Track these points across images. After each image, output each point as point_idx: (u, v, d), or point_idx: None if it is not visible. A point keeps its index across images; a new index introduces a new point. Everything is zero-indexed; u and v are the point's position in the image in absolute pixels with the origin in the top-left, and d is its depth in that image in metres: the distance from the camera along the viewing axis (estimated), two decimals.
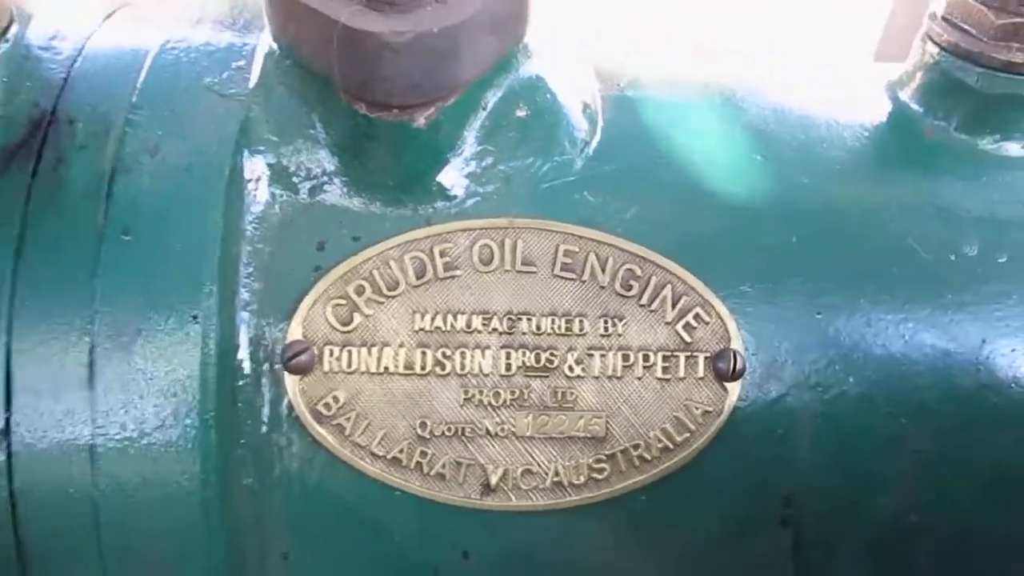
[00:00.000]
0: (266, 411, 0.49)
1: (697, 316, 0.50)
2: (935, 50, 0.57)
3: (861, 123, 0.59)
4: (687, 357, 0.50)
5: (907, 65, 0.60)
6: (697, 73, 0.61)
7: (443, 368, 0.49)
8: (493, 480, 0.50)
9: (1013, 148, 0.57)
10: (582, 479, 0.50)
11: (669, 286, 0.50)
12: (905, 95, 0.60)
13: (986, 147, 0.57)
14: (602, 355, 0.50)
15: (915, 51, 0.59)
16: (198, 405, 0.47)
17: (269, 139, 0.51)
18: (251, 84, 0.51)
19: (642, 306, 0.50)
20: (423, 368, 0.49)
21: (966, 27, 0.56)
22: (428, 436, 0.49)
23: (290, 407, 0.49)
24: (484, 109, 0.52)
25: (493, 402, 0.49)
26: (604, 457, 0.50)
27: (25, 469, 0.47)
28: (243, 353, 0.48)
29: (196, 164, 0.49)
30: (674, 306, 0.50)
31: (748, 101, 0.59)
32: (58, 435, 0.47)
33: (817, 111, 0.59)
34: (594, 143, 0.54)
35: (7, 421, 0.47)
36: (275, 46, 0.52)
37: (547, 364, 0.50)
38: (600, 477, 0.50)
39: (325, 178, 0.51)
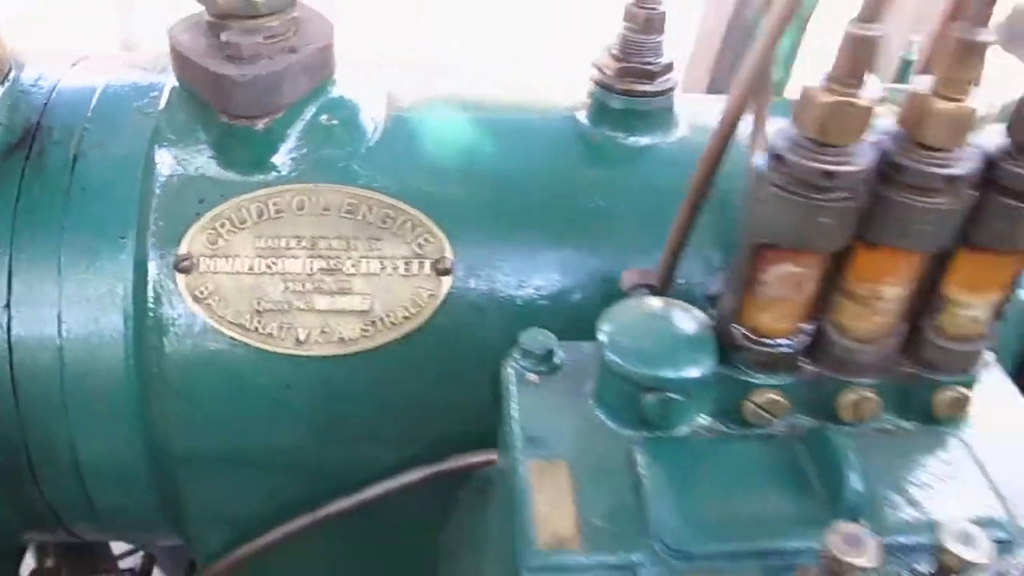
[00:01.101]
0: (164, 296, 0.82)
1: (426, 239, 0.85)
2: (592, 87, 0.93)
3: (556, 129, 0.94)
4: (419, 262, 0.84)
5: (583, 95, 0.96)
6: (453, 90, 0.97)
7: (271, 269, 0.83)
8: (302, 337, 0.83)
9: (640, 141, 0.92)
10: (356, 336, 0.84)
11: (410, 222, 0.85)
12: (580, 115, 0.95)
13: (624, 142, 0.93)
14: (367, 261, 0.84)
15: (586, 87, 0.95)
16: (128, 290, 0.80)
17: (170, 138, 0.85)
18: (161, 106, 0.86)
19: (394, 234, 0.85)
20: (259, 270, 0.83)
21: (606, 71, 0.92)
22: (262, 310, 0.83)
23: (179, 293, 0.82)
24: (302, 119, 0.86)
25: (301, 289, 0.83)
26: (369, 323, 0.84)
27: (20, 331, 0.80)
28: (152, 261, 0.82)
29: (126, 153, 0.84)
30: (412, 232, 0.85)
31: (482, 108, 0.94)
32: (37, 312, 0.80)
33: (527, 120, 0.95)
34: (374, 140, 0.89)
35: (8, 301, 0.80)
36: (177, 83, 0.87)
37: (335, 267, 0.84)
38: (367, 335, 0.84)
39: (204, 161, 0.85)
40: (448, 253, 0.85)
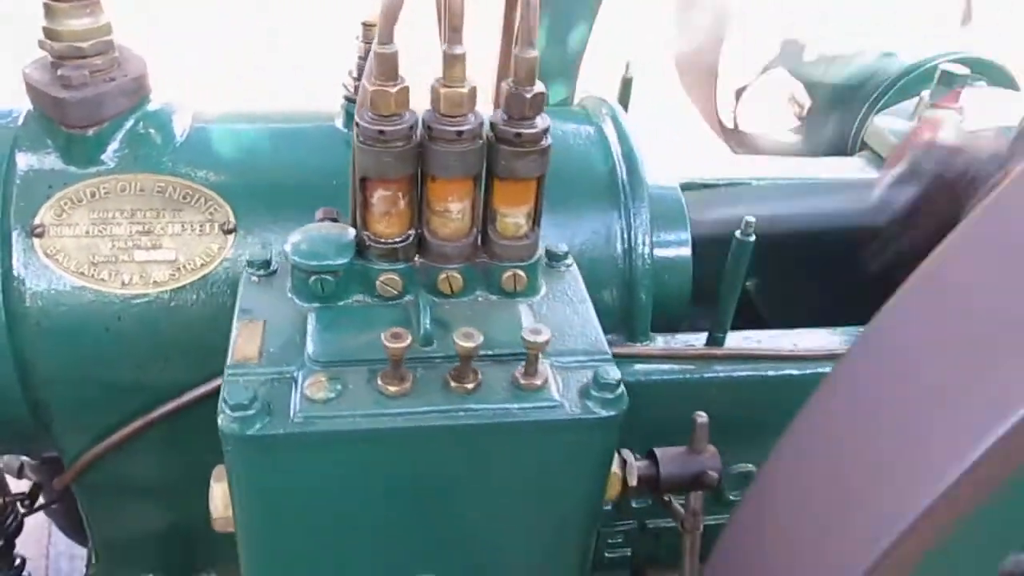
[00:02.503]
0: (25, 255, 1.15)
1: (215, 208, 1.20)
2: (343, 101, 1.30)
3: (319, 129, 1.30)
4: (210, 225, 1.19)
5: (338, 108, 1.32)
6: (246, 108, 1.33)
7: (102, 233, 1.17)
8: (126, 280, 1.17)
9: None
10: (166, 279, 1.18)
11: (203, 197, 1.20)
12: (338, 121, 1.31)
13: None
14: (172, 225, 1.18)
15: (339, 102, 1.32)
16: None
17: (26, 144, 1.19)
18: (19, 123, 1.20)
19: (191, 206, 1.20)
20: (93, 234, 1.17)
21: (351, 88, 1.29)
22: (96, 262, 1.16)
23: (35, 252, 1.16)
24: (124, 128, 1.21)
25: (124, 246, 1.17)
26: (175, 269, 1.18)
27: None
28: (15, 230, 1.15)
29: None
30: (205, 204, 1.20)
31: (265, 119, 1.30)
32: None
33: (297, 125, 1.31)
34: (179, 142, 1.25)
35: None
36: (31, 106, 1.21)
37: (148, 230, 1.18)
38: (174, 278, 1.18)
39: (51, 159, 1.19)
40: (231, 219, 1.20)
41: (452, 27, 0.85)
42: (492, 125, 0.91)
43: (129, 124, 1.22)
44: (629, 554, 1.42)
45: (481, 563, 0.97)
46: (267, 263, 1.02)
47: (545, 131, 0.92)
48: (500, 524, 0.93)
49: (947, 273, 0.66)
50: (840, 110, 2.17)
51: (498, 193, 0.94)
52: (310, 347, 0.90)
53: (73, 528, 1.92)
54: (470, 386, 0.86)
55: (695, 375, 1.28)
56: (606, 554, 1.42)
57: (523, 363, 0.88)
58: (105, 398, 1.23)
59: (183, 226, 1.19)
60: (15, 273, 1.15)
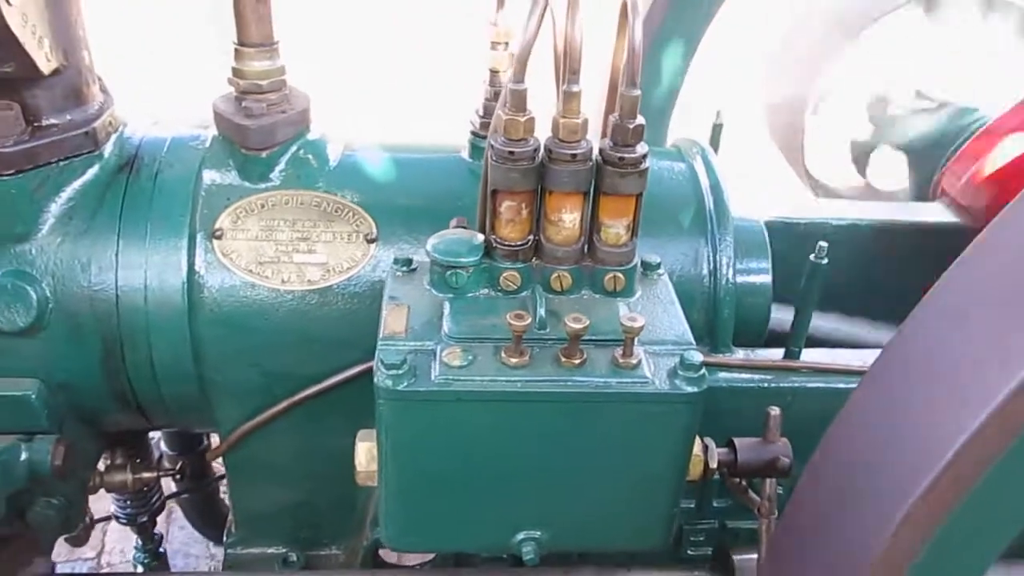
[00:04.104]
0: (206, 254, 1.39)
1: (359, 221, 1.42)
2: (469, 135, 1.52)
3: (446, 159, 1.52)
4: (355, 234, 1.41)
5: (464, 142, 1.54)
6: (386, 140, 1.56)
7: (268, 238, 1.41)
8: (285, 279, 1.40)
9: None
10: (318, 278, 1.40)
11: (351, 211, 1.42)
12: (464, 153, 1.53)
13: None
14: (325, 233, 1.41)
15: (466, 136, 1.53)
16: (185, 249, 1.38)
17: (211, 163, 1.45)
18: (206, 145, 1.46)
19: (341, 218, 1.42)
20: (261, 238, 1.41)
21: (476, 125, 1.50)
22: (262, 262, 1.40)
23: (214, 251, 1.40)
24: (289, 152, 1.45)
25: (285, 250, 1.40)
26: (326, 271, 1.40)
27: (124, 275, 1.37)
28: (199, 232, 1.40)
29: (185, 171, 1.43)
30: (352, 218, 1.42)
31: (403, 150, 1.53)
32: (134, 263, 1.37)
33: (428, 155, 1.53)
34: (332, 166, 1.48)
35: (117, 259, 1.38)
36: (216, 132, 1.47)
37: (306, 236, 1.41)
38: (324, 278, 1.40)
39: (231, 176, 1.44)
40: (374, 231, 1.42)
41: (571, 70, 1.05)
42: (601, 150, 1.10)
43: (293, 149, 1.46)
44: (710, 553, 1.55)
45: (579, 521, 1.13)
46: (409, 261, 1.23)
47: (644, 156, 1.10)
48: (596, 485, 1.10)
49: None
50: (922, 159, 2.30)
51: (603, 207, 1.13)
52: (446, 326, 1.09)
53: (198, 517, 2.16)
54: (577, 362, 1.04)
55: (772, 384, 1.43)
56: (688, 551, 1.55)
57: (621, 347, 1.06)
58: (259, 380, 1.45)
59: (334, 235, 1.42)
60: (197, 268, 1.39)
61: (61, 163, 1.37)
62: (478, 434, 1.05)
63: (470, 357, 1.04)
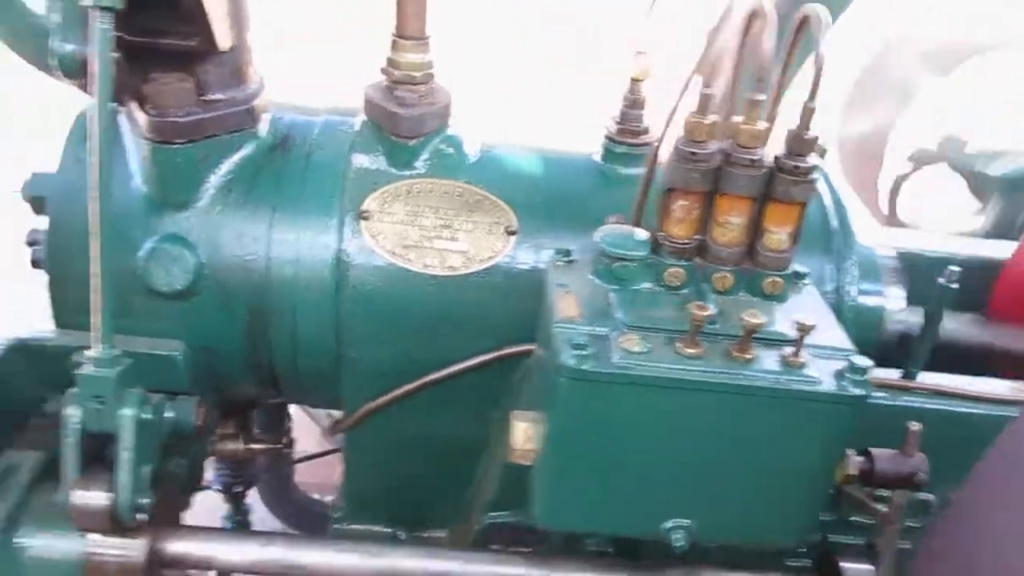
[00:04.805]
0: (353, 234, 1.44)
1: (501, 213, 1.47)
2: (603, 140, 1.57)
3: (581, 161, 1.57)
4: (497, 226, 1.46)
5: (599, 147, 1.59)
6: (520, 141, 1.61)
7: (412, 223, 1.45)
8: (428, 263, 1.44)
9: (628, 171, 1.55)
10: (459, 265, 1.44)
11: (492, 203, 1.47)
12: (596, 156, 1.58)
13: (619, 171, 1.55)
14: (467, 223, 1.46)
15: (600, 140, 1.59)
16: (335, 228, 1.42)
17: (360, 147, 1.50)
18: (356, 129, 1.51)
19: (483, 209, 1.47)
20: (406, 222, 1.45)
21: (611, 130, 1.56)
22: (406, 246, 1.44)
23: (360, 232, 1.44)
24: (432, 143, 1.50)
25: (428, 235, 1.45)
26: (467, 259, 1.45)
27: (276, 252, 1.42)
28: (348, 213, 1.45)
29: (336, 153, 1.48)
30: (494, 209, 1.47)
31: (539, 150, 1.58)
32: (286, 240, 1.42)
33: (565, 156, 1.58)
34: (472, 160, 1.53)
35: (270, 236, 1.42)
36: (365, 117, 1.52)
37: (448, 224, 1.46)
38: (465, 266, 1.45)
39: (379, 160, 1.49)
40: (514, 223, 1.47)
41: (758, 79, 1.10)
42: (777, 158, 1.15)
43: (435, 140, 1.51)
44: (809, 565, 1.58)
45: (727, 514, 1.17)
46: (568, 252, 1.27)
47: (815, 167, 1.15)
48: (750, 479, 1.14)
49: None
50: (1004, 200, 2.35)
51: (771, 213, 1.18)
52: (620, 314, 1.14)
53: (273, 495, 2.20)
54: (748, 357, 1.08)
55: (889, 402, 1.46)
56: (788, 562, 1.59)
57: (787, 346, 1.10)
58: (393, 360, 1.49)
59: (475, 225, 1.47)
60: (345, 247, 1.44)
61: (223, 137, 1.42)
62: (646, 419, 1.09)
63: (649, 345, 1.08)
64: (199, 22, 1.30)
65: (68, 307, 1.44)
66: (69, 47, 1.30)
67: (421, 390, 1.49)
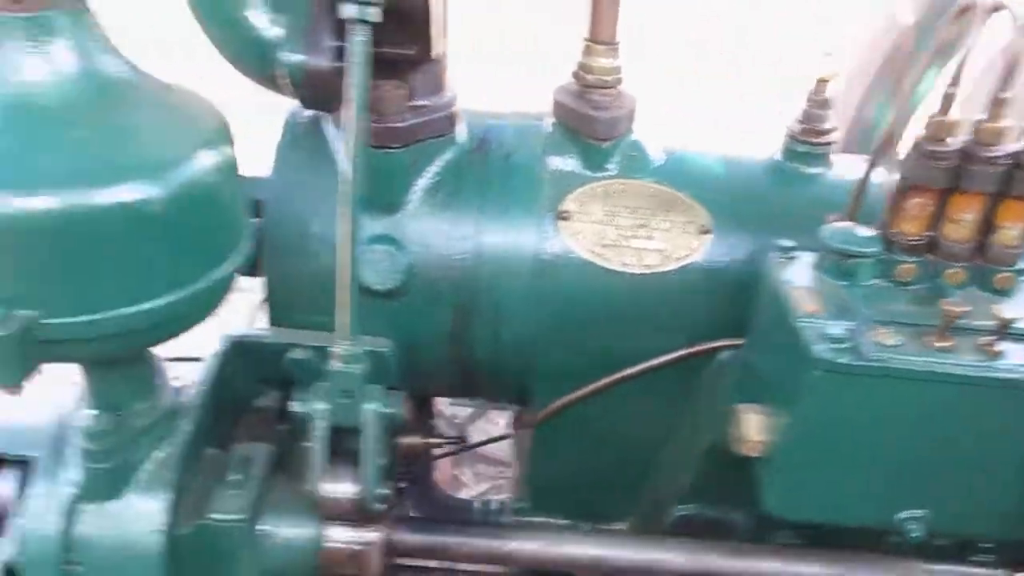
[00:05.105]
0: (553, 232, 1.48)
1: (695, 213, 1.50)
2: (785, 139, 1.60)
3: (763, 162, 1.60)
4: (691, 225, 1.49)
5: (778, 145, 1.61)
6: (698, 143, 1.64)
7: (610, 223, 1.49)
8: (627, 262, 1.48)
9: (810, 170, 1.57)
10: (656, 263, 1.48)
11: (686, 203, 1.50)
12: (777, 155, 1.61)
13: (801, 170, 1.58)
14: (663, 222, 1.49)
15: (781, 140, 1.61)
16: (536, 226, 1.47)
17: (553, 149, 1.54)
18: (547, 132, 1.56)
19: (677, 209, 1.50)
20: (603, 222, 1.49)
21: (794, 129, 1.58)
22: (604, 245, 1.48)
23: (559, 232, 1.48)
24: (621, 145, 1.54)
25: (626, 235, 1.49)
26: (663, 257, 1.48)
27: (485, 245, 1.47)
28: (547, 213, 1.49)
29: (531, 155, 1.52)
30: (688, 209, 1.50)
31: (718, 151, 1.61)
32: (497, 236, 1.47)
33: (746, 158, 1.61)
34: (657, 164, 1.56)
35: (479, 234, 1.47)
36: (555, 119, 1.56)
37: (644, 223, 1.49)
38: (661, 264, 1.48)
39: (572, 162, 1.53)
40: (707, 222, 1.50)
41: (1003, 77, 1.12)
42: (1017, 154, 1.17)
43: (624, 143, 1.55)
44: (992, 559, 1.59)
45: (963, 506, 1.19)
46: (788, 249, 1.30)
47: None
48: (991, 472, 1.16)
49: None
50: None
51: (1006, 209, 1.20)
52: (864, 309, 1.16)
53: (420, 495, 2.24)
54: (998, 350, 1.11)
55: None
56: (973, 556, 1.60)
57: None
58: (588, 356, 1.53)
59: (671, 224, 1.50)
60: (548, 247, 1.48)
61: (430, 141, 1.47)
62: (895, 411, 1.12)
63: (900, 339, 1.11)
64: (421, 31, 1.35)
65: (282, 306, 1.50)
66: (297, 58, 1.35)
67: (615, 385, 1.53)
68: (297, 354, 1.47)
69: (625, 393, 1.54)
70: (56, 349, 1.03)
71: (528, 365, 1.53)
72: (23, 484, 1.30)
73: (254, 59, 1.41)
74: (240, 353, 1.47)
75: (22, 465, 1.31)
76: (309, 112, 1.55)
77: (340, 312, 1.25)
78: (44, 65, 0.99)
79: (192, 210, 1.06)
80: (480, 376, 1.57)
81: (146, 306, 1.05)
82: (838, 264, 1.23)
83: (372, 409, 1.26)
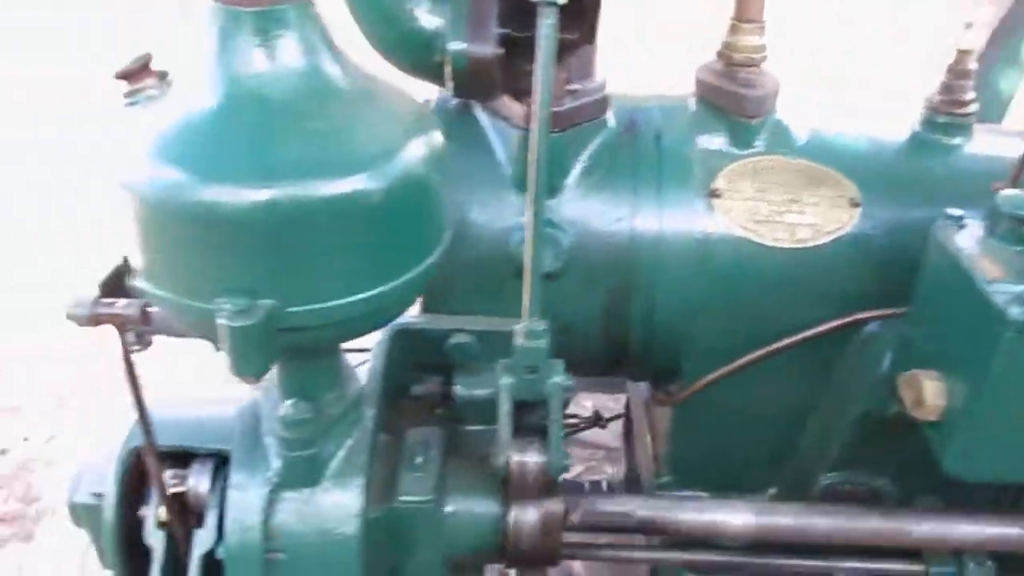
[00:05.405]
0: (708, 210, 1.51)
1: (843, 186, 1.52)
2: (924, 110, 1.61)
3: (904, 134, 1.62)
4: (840, 199, 1.52)
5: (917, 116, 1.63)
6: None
7: (762, 199, 1.51)
8: (778, 237, 1.50)
9: (952, 141, 1.59)
10: (808, 237, 1.50)
11: (835, 178, 1.52)
12: (915, 126, 1.62)
13: (942, 141, 1.59)
14: (813, 196, 1.51)
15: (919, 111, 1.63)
16: (691, 210, 1.50)
17: (702, 128, 1.56)
18: (692, 110, 1.58)
19: (826, 184, 1.52)
20: (755, 199, 1.52)
21: (935, 100, 1.60)
22: (756, 221, 1.51)
23: (712, 208, 1.51)
24: (767, 123, 1.56)
25: (778, 210, 1.51)
26: (815, 231, 1.51)
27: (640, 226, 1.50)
28: (700, 192, 1.52)
29: (681, 136, 1.55)
30: (837, 183, 1.52)
31: (859, 125, 1.63)
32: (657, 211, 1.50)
33: (887, 131, 1.63)
34: (803, 140, 1.59)
35: (634, 212, 1.50)
36: (698, 98, 1.59)
37: (795, 199, 1.51)
38: (813, 238, 1.50)
39: (720, 140, 1.56)
40: (856, 195, 1.52)
41: None
42: None
43: (769, 121, 1.57)
44: None
45: None
46: (958, 219, 1.32)
47: None
48: None
49: None
50: None
51: None
52: None
53: None
54: None
55: None
56: None
57: None
58: (739, 331, 1.55)
59: (820, 198, 1.52)
60: (702, 225, 1.50)
61: (585, 125, 1.50)
62: None
63: None
64: (588, 15, 1.37)
65: (434, 294, 1.54)
66: (460, 46, 1.38)
67: (766, 359, 1.55)
68: (459, 339, 1.50)
69: (769, 366, 1.57)
70: (289, 338, 1.06)
71: (680, 342, 1.56)
72: (215, 477, 1.34)
73: (412, 50, 1.44)
74: (403, 341, 1.51)
75: (214, 458, 1.34)
76: (456, 101, 1.57)
77: (525, 292, 1.28)
78: (274, 59, 1.02)
79: (410, 198, 1.10)
80: (629, 355, 1.61)
81: (373, 292, 1.09)
82: (1014, 230, 1.25)
83: (557, 382, 1.29)
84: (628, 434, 2.19)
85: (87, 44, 5.61)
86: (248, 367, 1.03)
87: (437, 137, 1.16)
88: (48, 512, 2.66)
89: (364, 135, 1.07)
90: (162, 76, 1.06)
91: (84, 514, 1.38)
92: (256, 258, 1.01)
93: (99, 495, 1.36)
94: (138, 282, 1.08)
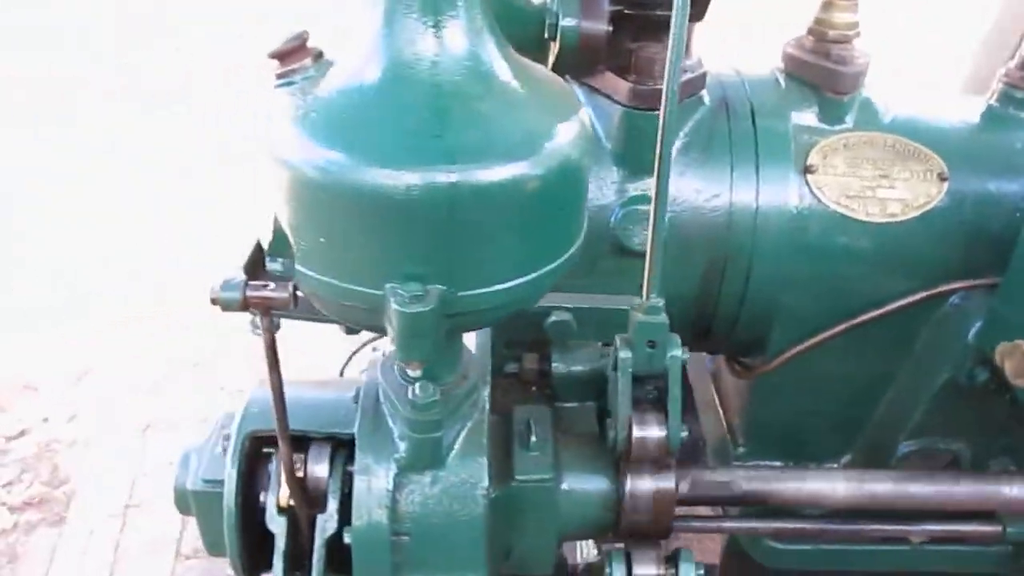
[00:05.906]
0: (804, 190, 1.53)
1: (932, 161, 1.55)
2: (1000, 85, 1.64)
3: (977, 107, 1.65)
4: (929, 173, 1.55)
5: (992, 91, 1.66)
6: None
7: (854, 174, 1.53)
8: (870, 211, 1.53)
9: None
10: (898, 211, 1.53)
11: (923, 153, 1.55)
12: (991, 100, 1.65)
13: (1018, 115, 1.62)
14: (903, 171, 1.54)
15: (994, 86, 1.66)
16: (787, 185, 1.51)
17: (795, 104, 1.57)
18: (782, 87, 1.59)
19: (915, 158, 1.55)
20: (847, 174, 1.53)
21: (1012, 75, 1.63)
22: (849, 196, 1.52)
23: (808, 184, 1.53)
24: (857, 99, 1.58)
25: (869, 185, 1.53)
26: (905, 205, 1.53)
27: (736, 201, 1.51)
28: (795, 168, 1.53)
29: (775, 112, 1.56)
30: (926, 158, 1.55)
31: (936, 99, 1.65)
32: (747, 193, 1.51)
33: (960, 103, 1.66)
34: (891, 117, 1.61)
35: (731, 188, 1.51)
36: (787, 74, 1.59)
37: (886, 174, 1.54)
38: (904, 212, 1.53)
39: (811, 116, 1.57)
40: (944, 169, 1.55)
41: None
42: None
43: (858, 98, 1.59)
44: None
45: None
46: None
47: None
48: None
49: None
50: None
51: None
52: None
53: None
54: None
55: None
56: None
57: None
58: (827, 304, 1.58)
59: (911, 173, 1.55)
60: (797, 200, 1.52)
61: (685, 102, 1.50)
62: None
63: None
64: None
65: None
66: (572, 22, 1.37)
67: (851, 331, 1.59)
68: (560, 316, 1.50)
69: (853, 335, 1.61)
70: (454, 322, 1.06)
71: (771, 315, 1.59)
72: (333, 460, 1.33)
73: (516, 25, 1.41)
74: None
75: (331, 441, 1.33)
76: None
77: (648, 269, 1.28)
78: (443, 40, 1.00)
79: (570, 179, 1.09)
80: (718, 329, 1.63)
81: (538, 274, 1.08)
82: None
83: (676, 355, 1.30)
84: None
85: (87, 44, 5.53)
86: (418, 352, 1.02)
87: (586, 119, 1.15)
88: (76, 495, 2.61)
89: (529, 118, 1.06)
90: (317, 56, 1.03)
91: (198, 501, 1.36)
92: (432, 242, 1.00)
93: (213, 481, 1.34)
94: (296, 267, 1.06)
